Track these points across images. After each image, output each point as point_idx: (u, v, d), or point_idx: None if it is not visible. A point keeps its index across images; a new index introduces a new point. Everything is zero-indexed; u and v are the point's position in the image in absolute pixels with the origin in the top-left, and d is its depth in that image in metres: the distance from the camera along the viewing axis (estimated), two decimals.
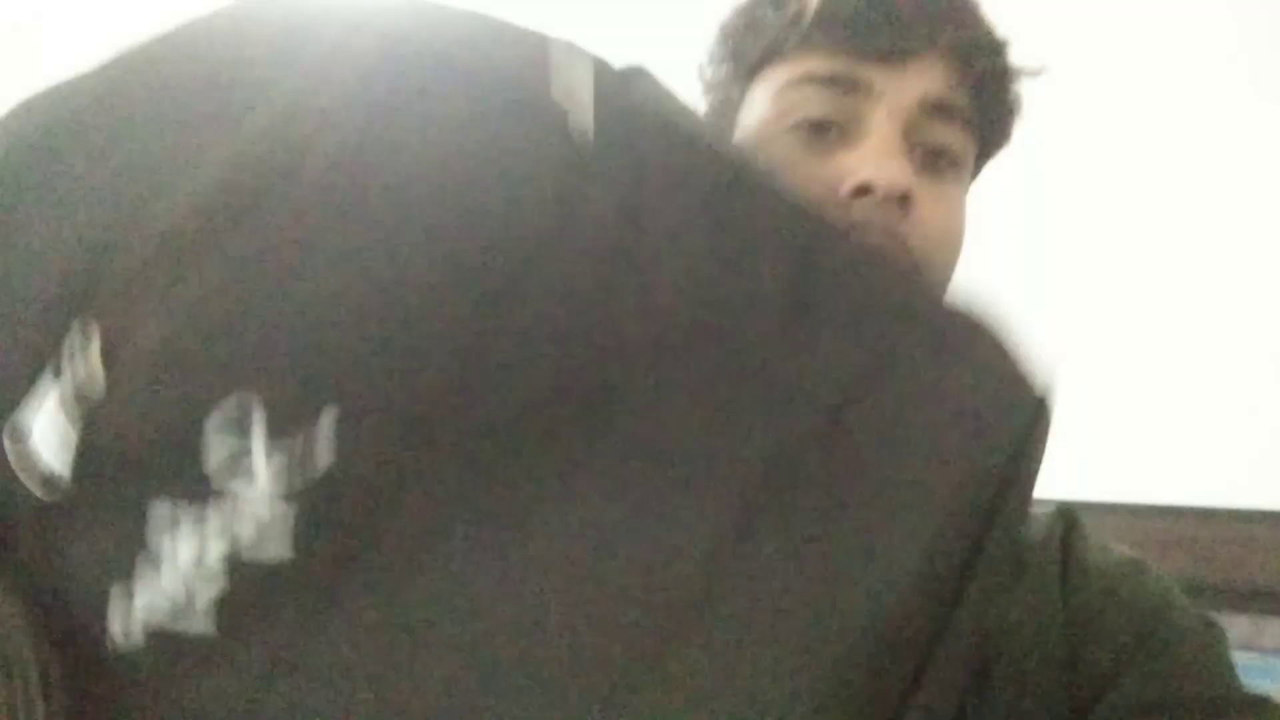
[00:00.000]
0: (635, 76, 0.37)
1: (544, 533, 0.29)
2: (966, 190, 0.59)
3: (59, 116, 0.33)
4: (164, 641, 0.29)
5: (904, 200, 0.53)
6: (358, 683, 0.28)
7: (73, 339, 0.30)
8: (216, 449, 0.29)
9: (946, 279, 0.57)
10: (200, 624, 0.29)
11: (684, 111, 0.38)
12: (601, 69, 0.35)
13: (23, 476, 0.30)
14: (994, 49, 0.58)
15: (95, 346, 0.30)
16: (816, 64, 0.55)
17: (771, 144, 0.57)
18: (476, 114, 0.32)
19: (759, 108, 0.58)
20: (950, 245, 0.57)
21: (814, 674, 0.28)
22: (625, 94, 0.35)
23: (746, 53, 0.59)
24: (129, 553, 0.29)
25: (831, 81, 0.55)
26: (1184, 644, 0.53)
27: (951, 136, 0.56)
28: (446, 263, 0.30)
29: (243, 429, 0.29)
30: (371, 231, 0.30)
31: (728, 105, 0.61)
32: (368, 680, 0.28)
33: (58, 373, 0.30)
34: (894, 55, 0.54)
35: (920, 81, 0.55)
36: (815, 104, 0.55)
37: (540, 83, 0.33)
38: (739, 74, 0.60)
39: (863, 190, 0.52)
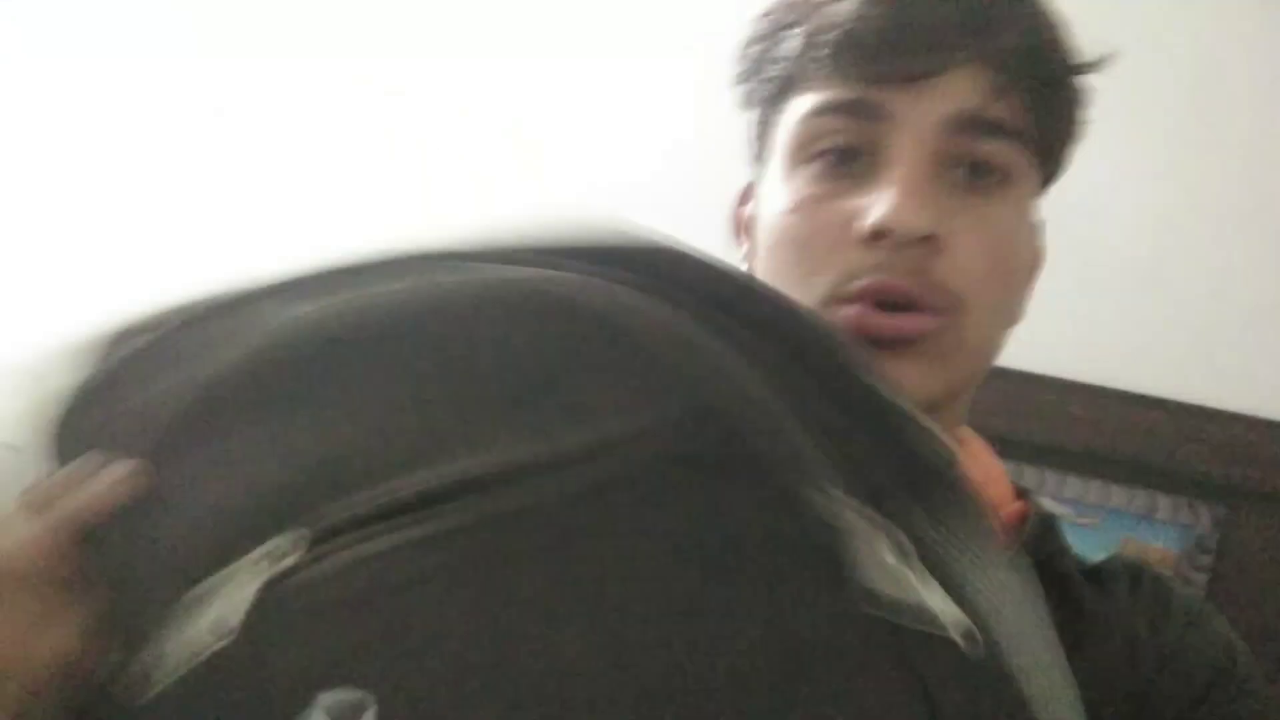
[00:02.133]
0: None
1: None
2: (1026, 202, 0.56)
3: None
4: None
5: (930, 239, 0.50)
6: None
7: (281, 542, 0.34)
8: None
9: (999, 308, 0.55)
10: None
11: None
12: None
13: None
14: (1039, 52, 0.53)
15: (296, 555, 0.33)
16: (836, 91, 0.52)
17: (797, 175, 0.54)
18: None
19: (785, 135, 0.55)
20: (998, 272, 0.53)
21: None
22: None
23: (772, 76, 0.56)
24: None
25: (852, 109, 0.52)
26: (1252, 684, 0.56)
27: (994, 150, 0.52)
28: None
29: None
30: None
31: (762, 127, 0.58)
32: None
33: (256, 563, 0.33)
34: (915, 76, 0.50)
35: (947, 100, 0.51)
36: (837, 133, 0.53)
37: None
38: (768, 96, 0.57)
39: (879, 234, 0.50)
